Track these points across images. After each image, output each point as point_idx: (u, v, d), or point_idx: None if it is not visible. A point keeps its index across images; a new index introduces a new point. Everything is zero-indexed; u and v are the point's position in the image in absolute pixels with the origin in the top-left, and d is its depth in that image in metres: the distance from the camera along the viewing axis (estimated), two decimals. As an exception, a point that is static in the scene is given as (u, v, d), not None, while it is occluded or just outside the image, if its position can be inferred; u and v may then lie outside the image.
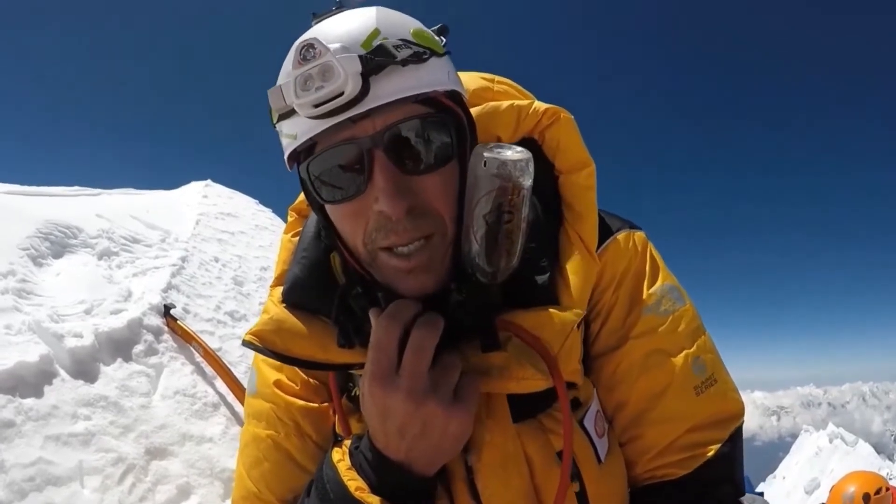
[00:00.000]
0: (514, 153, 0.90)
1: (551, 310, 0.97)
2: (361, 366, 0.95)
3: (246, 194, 6.53)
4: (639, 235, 1.16)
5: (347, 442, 0.98)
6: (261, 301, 3.98)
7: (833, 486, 5.50)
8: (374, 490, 0.90)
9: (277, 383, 1.17)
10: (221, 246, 4.62)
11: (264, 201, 6.53)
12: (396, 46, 0.86)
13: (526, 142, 1.07)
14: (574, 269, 1.01)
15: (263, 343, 1.05)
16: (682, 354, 1.09)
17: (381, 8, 0.93)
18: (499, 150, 0.90)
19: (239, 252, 4.70)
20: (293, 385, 1.17)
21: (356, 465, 0.93)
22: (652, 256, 1.16)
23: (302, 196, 1.23)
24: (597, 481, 1.02)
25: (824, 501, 5.32)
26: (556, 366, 0.95)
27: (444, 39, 0.97)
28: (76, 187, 4.83)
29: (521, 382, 0.93)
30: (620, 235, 1.13)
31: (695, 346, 1.11)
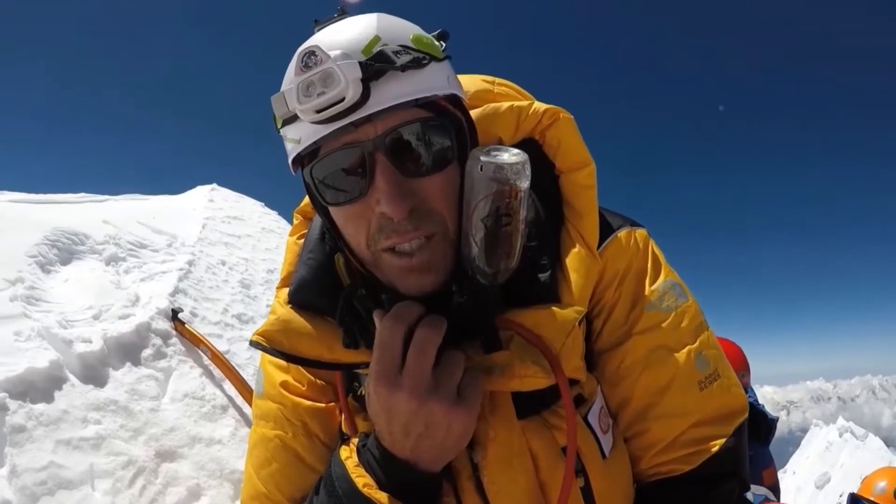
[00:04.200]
0: (511, 156, 0.90)
1: (553, 308, 0.98)
2: (367, 365, 0.96)
3: (252, 197, 6.54)
4: (640, 233, 1.17)
5: (355, 440, 1.00)
6: (268, 303, 3.99)
7: (866, 477, 5.55)
8: (382, 486, 0.91)
9: (284, 384, 1.19)
10: (228, 249, 4.64)
11: (270, 204, 6.53)
12: (396, 52, 0.88)
13: (526, 142, 1.09)
14: (575, 267, 1.02)
15: (270, 343, 1.07)
16: (685, 350, 1.10)
17: (381, 14, 0.95)
18: (495, 153, 0.91)
19: (245, 255, 4.71)
20: (300, 386, 1.18)
21: (364, 462, 0.95)
22: (653, 253, 1.17)
23: (307, 199, 1.24)
24: (601, 476, 1.03)
25: (854, 492, 5.34)
26: (558, 363, 0.96)
27: (444, 45, 0.98)
28: (82, 194, 4.85)
29: (523, 380, 0.95)
30: (622, 233, 1.14)
31: (697, 342, 1.12)
